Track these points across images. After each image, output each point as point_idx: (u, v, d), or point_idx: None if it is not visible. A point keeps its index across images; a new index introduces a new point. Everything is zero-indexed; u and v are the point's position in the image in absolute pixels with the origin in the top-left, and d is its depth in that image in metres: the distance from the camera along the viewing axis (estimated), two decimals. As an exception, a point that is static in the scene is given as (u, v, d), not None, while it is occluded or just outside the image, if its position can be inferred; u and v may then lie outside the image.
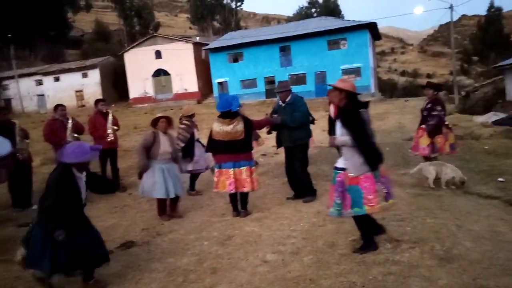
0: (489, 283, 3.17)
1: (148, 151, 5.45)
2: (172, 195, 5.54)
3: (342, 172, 3.79)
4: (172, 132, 5.92)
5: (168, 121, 5.67)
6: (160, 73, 42.14)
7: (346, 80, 3.97)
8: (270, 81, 36.80)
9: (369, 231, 3.96)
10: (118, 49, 51.45)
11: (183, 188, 5.91)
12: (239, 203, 5.52)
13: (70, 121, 7.28)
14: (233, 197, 5.47)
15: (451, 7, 28.56)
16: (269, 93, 36.36)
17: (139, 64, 41.39)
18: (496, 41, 49.24)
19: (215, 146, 5.35)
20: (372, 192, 3.69)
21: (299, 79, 35.70)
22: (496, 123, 15.13)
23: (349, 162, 3.73)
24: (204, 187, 7.20)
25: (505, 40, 50.13)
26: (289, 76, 35.81)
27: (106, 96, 39.24)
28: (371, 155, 3.68)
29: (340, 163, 3.85)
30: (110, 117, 7.83)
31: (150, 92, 42.47)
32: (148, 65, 41.58)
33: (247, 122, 5.32)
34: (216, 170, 5.44)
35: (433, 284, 3.21)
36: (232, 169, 5.25)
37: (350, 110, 3.75)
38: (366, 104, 3.83)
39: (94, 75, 44.77)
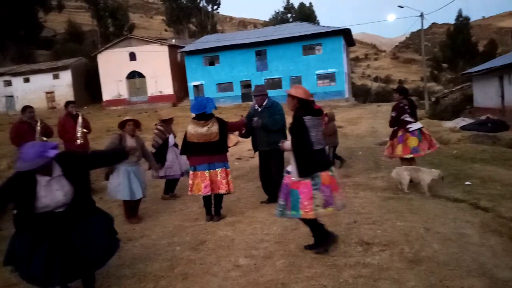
0: (455, 285, 3.26)
1: None
2: (137, 197, 5.52)
3: (287, 175, 3.93)
4: (140, 134, 5.88)
5: (136, 123, 5.67)
6: (134, 75, 41.55)
7: (300, 87, 4.03)
8: (246, 85, 36.90)
9: (321, 230, 4.04)
10: (91, 50, 50.37)
11: (145, 190, 5.79)
12: (213, 207, 5.48)
13: (38, 123, 7.06)
14: (207, 200, 5.42)
15: (421, 15, 29.47)
16: (245, 97, 36.45)
17: (112, 66, 40.68)
18: (464, 49, 51.03)
19: (189, 148, 5.32)
20: (307, 199, 3.77)
21: (275, 84, 35.91)
22: (464, 128, 15.66)
23: (292, 166, 3.85)
24: (178, 192, 7.12)
25: (472, 48, 52.01)
26: (265, 80, 36.03)
27: (78, 98, 38.39)
28: (301, 163, 3.77)
29: (289, 167, 3.97)
30: (80, 120, 7.64)
31: (124, 94, 41.78)
32: (122, 67, 40.93)
33: (222, 124, 5.31)
34: (190, 172, 5.37)
35: (402, 286, 3.27)
36: (207, 171, 5.20)
37: (294, 117, 3.86)
38: (317, 112, 3.91)
39: (66, 76, 43.66)
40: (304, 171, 3.77)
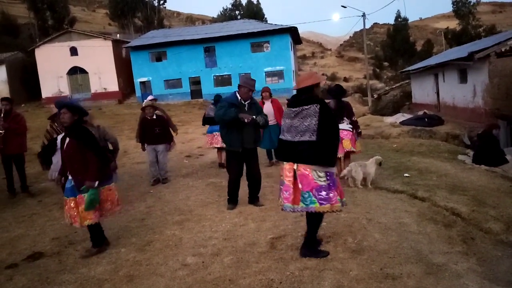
0: (394, 272, 3.43)
1: None
2: None
3: None
4: None
5: None
6: (76, 71, 39.52)
7: (301, 75, 4.10)
8: (195, 82, 36.45)
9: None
10: (28, 44, 47.22)
11: None
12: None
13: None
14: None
15: (363, 16, 30.66)
16: (194, 94, 35.98)
17: (52, 61, 38.39)
18: (403, 49, 53.77)
19: (106, 155, 4.62)
20: None
21: (224, 80, 35.78)
22: (403, 123, 16.56)
23: None
24: (125, 192, 6.89)
25: (410, 47, 54.90)
26: (214, 77, 35.77)
27: (15, 95, 35.81)
28: None
29: None
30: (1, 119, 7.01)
31: (66, 91, 39.62)
32: (62, 62, 38.74)
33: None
34: (111, 186, 4.41)
35: (345, 275, 3.39)
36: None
37: None
38: (292, 103, 3.90)
39: (0, 73, 40.63)
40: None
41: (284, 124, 3.87)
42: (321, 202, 3.59)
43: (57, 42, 39.13)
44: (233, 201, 5.63)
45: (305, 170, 3.61)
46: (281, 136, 3.91)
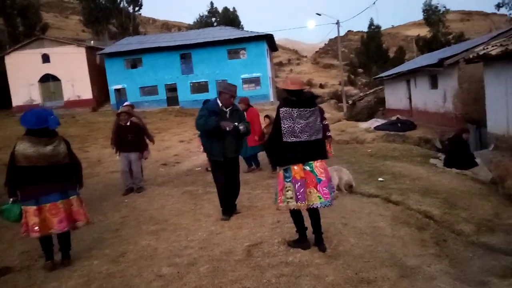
0: (370, 276, 3.46)
1: None
2: None
3: None
4: None
5: None
6: (48, 78, 38.58)
7: (290, 77, 4.10)
8: (171, 89, 36.19)
9: (300, 227, 4.16)
10: (-3, 51, 45.91)
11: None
12: (60, 249, 4.36)
13: None
14: (47, 242, 4.23)
15: (337, 23, 31.22)
16: (171, 101, 35.69)
17: (23, 69, 37.39)
18: (377, 55, 54.94)
19: (23, 175, 4.05)
20: (279, 190, 3.99)
21: (201, 87, 35.67)
22: (377, 128, 16.86)
23: None
24: (98, 202, 6.74)
25: (384, 54, 56.13)
26: (191, 84, 35.60)
27: (-18, 104, 34.70)
28: (271, 153, 4.19)
29: None
30: None
31: (37, 99, 38.61)
32: (34, 70, 37.75)
33: (69, 144, 4.41)
34: (28, 208, 4.06)
35: (321, 281, 3.40)
36: (60, 200, 4.16)
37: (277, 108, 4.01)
38: (303, 103, 3.93)
39: (-33, 80, 39.24)
40: (273, 162, 4.10)
41: (294, 125, 3.82)
42: (332, 190, 4.10)
43: (29, 49, 38.16)
44: (228, 210, 5.40)
45: (326, 165, 4.03)
46: (290, 139, 3.82)
